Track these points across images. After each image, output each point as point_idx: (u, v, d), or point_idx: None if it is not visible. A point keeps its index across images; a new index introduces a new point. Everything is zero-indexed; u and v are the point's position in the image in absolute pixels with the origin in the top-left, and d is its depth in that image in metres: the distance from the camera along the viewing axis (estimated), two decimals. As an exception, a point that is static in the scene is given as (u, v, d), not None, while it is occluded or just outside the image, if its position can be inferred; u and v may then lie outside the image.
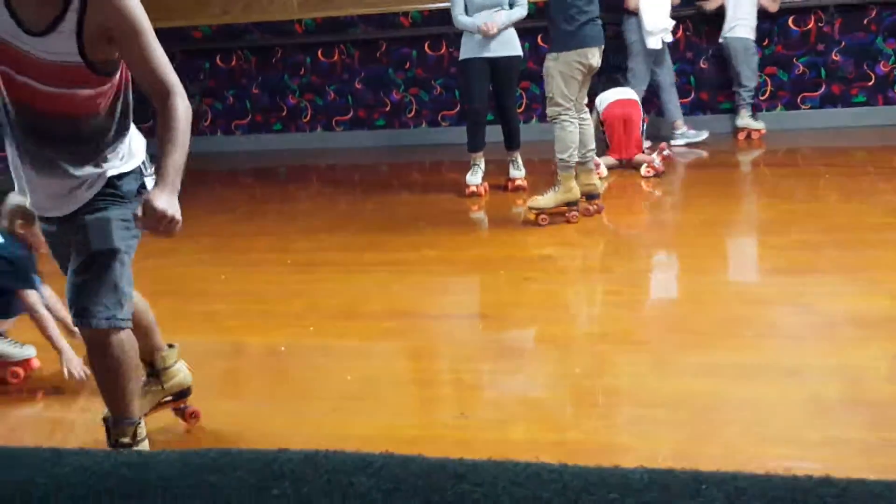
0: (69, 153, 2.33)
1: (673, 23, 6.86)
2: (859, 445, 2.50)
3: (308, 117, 8.50)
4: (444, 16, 6.37)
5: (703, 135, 7.08)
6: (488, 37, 5.62)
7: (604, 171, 6.05)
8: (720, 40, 7.14)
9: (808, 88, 7.36)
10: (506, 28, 5.64)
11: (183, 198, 2.15)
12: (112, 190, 2.39)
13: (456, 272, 4.56)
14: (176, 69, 2.28)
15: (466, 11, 5.68)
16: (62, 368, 3.23)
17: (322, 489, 0.82)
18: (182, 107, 2.20)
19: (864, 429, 2.58)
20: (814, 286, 3.82)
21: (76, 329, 2.61)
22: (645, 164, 6.18)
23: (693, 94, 7.58)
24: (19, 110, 2.27)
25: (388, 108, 8.28)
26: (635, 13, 6.84)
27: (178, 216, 2.10)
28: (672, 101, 7.09)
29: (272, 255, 5.02)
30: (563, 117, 4.95)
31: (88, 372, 3.16)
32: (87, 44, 2.17)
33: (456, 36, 6.31)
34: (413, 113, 8.24)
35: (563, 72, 4.89)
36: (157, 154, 2.19)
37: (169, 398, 2.89)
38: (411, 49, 8.08)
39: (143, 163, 2.48)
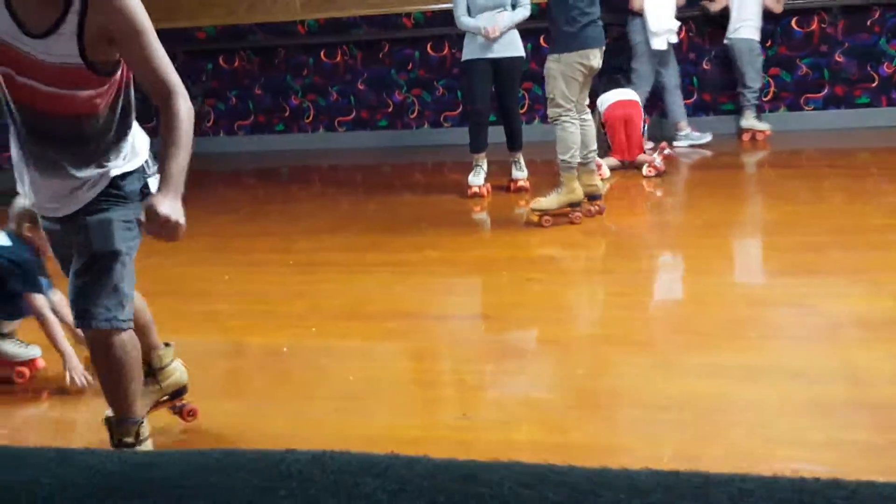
0: (71, 154, 2.32)
1: (678, 24, 6.85)
2: (864, 447, 2.49)
3: (310, 118, 8.50)
4: (447, 17, 6.37)
5: (707, 137, 7.05)
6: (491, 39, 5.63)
7: (606, 173, 6.05)
8: (725, 41, 7.13)
9: (811, 90, 7.35)
10: (509, 30, 5.65)
11: (185, 198, 2.15)
12: (114, 190, 2.38)
13: (458, 273, 4.56)
14: (178, 70, 2.28)
15: (469, 12, 5.67)
16: (65, 373, 3.24)
17: (329, 490, 0.82)
18: (184, 107, 2.20)
19: (870, 430, 2.57)
20: (818, 287, 3.81)
21: (82, 335, 2.60)
22: (646, 164, 6.19)
23: (696, 96, 7.57)
24: (21, 111, 2.27)
25: (390, 109, 8.28)
26: (640, 14, 6.83)
27: (182, 221, 2.09)
28: (676, 103, 7.08)
29: (274, 255, 5.02)
30: (564, 118, 4.94)
31: (90, 379, 3.17)
32: (88, 45, 2.16)
33: (458, 37, 6.30)
34: (415, 114, 8.24)
35: (565, 73, 4.89)
36: (159, 156, 2.19)
37: (166, 397, 2.88)
38: (414, 50, 8.08)
39: (147, 161, 2.47)
